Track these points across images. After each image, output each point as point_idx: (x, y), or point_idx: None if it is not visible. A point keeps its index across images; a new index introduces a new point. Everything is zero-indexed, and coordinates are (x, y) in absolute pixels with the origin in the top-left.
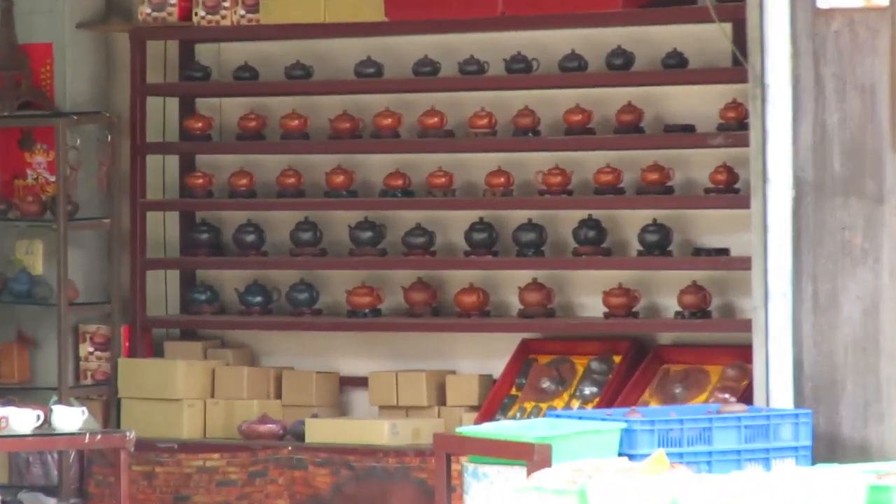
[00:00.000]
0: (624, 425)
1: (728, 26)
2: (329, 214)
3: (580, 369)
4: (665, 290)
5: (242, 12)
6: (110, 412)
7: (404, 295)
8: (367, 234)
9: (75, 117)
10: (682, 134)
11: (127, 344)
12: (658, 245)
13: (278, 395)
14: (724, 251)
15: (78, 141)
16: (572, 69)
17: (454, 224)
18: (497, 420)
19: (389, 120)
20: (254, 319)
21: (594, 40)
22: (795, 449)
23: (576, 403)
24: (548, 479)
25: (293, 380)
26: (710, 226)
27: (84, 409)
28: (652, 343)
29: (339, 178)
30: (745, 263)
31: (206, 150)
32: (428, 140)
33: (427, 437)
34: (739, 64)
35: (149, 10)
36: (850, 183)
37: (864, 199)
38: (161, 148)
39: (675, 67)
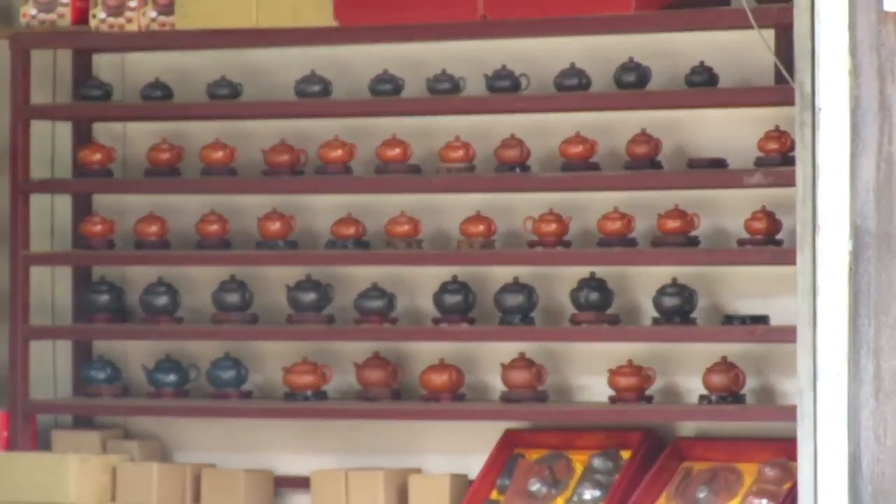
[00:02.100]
0: None
1: (770, 34)
2: (261, 271)
3: (579, 468)
4: (687, 368)
5: (153, 14)
6: None
7: (356, 373)
8: (310, 297)
9: None
10: (711, 170)
11: (5, 434)
12: (678, 311)
13: (196, 499)
14: (762, 319)
15: None
16: (571, 88)
17: (420, 284)
18: None
19: (339, 151)
20: (165, 404)
21: (599, 51)
22: None
23: None
24: None
25: (215, 480)
26: (745, 287)
27: None
28: (670, 435)
29: (275, 226)
30: (788, 335)
31: (107, 188)
32: (388, 177)
33: None
34: (784, 82)
35: (34, 12)
36: None
37: None
38: (49, 186)
39: (702, 86)
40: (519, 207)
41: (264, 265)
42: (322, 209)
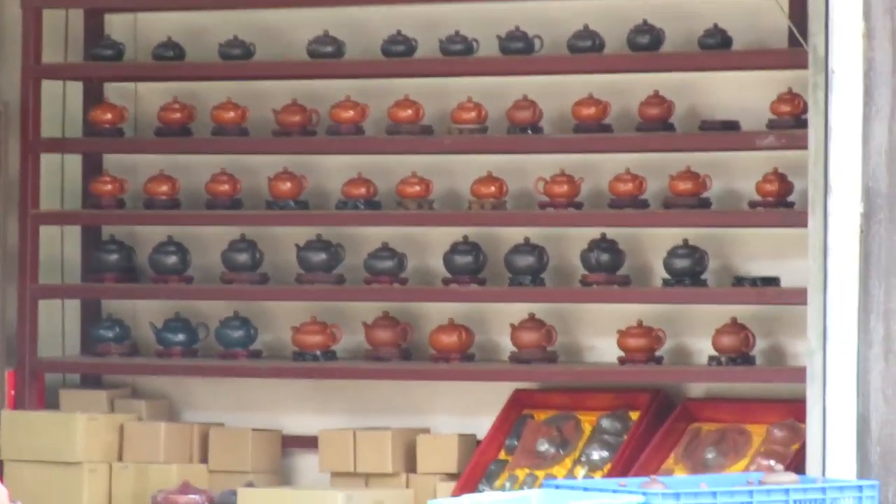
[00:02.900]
0: (642, 499)
1: None
2: (272, 231)
3: (587, 428)
4: (697, 329)
5: None
6: None
7: (366, 333)
8: (320, 257)
9: None
10: (723, 132)
11: (12, 392)
12: (689, 272)
13: (204, 459)
14: (772, 281)
15: None
16: (584, 49)
17: (431, 244)
18: (481, 491)
19: (351, 112)
20: (174, 363)
21: (613, 13)
22: None
23: (581, 471)
24: None
25: (223, 439)
26: (756, 249)
27: None
28: (679, 396)
29: (286, 186)
30: (798, 297)
31: (117, 148)
32: (399, 138)
33: None
34: (798, 44)
35: None
36: None
37: None
38: (60, 145)
39: (716, 48)
40: (531, 168)
41: (275, 225)
42: (333, 169)
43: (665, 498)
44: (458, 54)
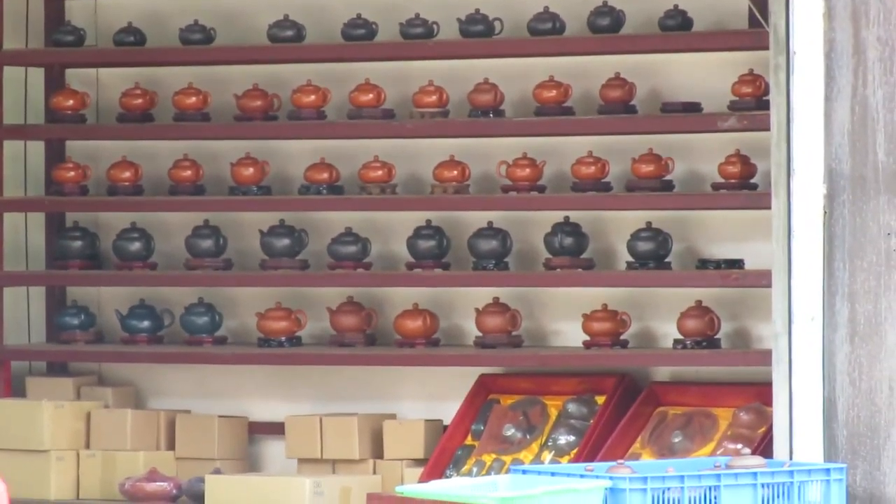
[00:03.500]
0: (609, 483)
1: None
2: (235, 216)
3: (553, 413)
4: (662, 312)
5: None
6: None
7: (330, 319)
8: (284, 242)
9: None
10: (684, 115)
11: None
12: (653, 255)
13: (171, 446)
14: (736, 263)
15: None
16: (545, 32)
17: (394, 229)
18: (448, 477)
19: (312, 97)
20: (140, 350)
21: None
22: None
23: (547, 456)
24: None
25: (190, 426)
26: (720, 231)
27: None
28: (645, 380)
29: (248, 171)
30: (763, 279)
31: (80, 134)
32: (361, 122)
33: (359, 499)
34: (758, 25)
35: None
36: None
37: None
38: (22, 132)
39: (676, 30)
40: (493, 152)
41: (238, 211)
42: (295, 154)
43: (633, 482)
44: (418, 38)
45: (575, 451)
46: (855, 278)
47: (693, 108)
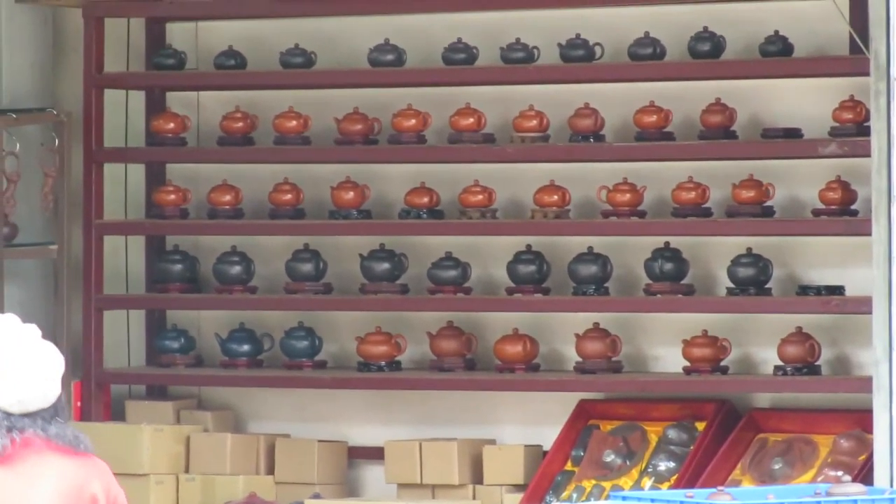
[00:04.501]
0: None
1: (844, 2)
2: (335, 240)
3: (653, 439)
4: (762, 338)
5: None
6: None
7: (430, 343)
8: (384, 266)
9: (14, 116)
10: (785, 140)
11: (78, 404)
12: (753, 281)
13: (270, 470)
14: (837, 289)
15: (17, 146)
16: (645, 57)
17: (494, 253)
18: (548, 503)
19: (413, 121)
20: (239, 374)
21: (674, 20)
22: None
23: (647, 482)
24: None
25: (289, 450)
26: (820, 257)
27: None
28: (745, 406)
29: (349, 195)
30: (863, 305)
31: (180, 157)
32: (461, 147)
33: None
34: (859, 51)
35: None
36: None
37: None
38: (122, 155)
39: (777, 55)
40: (593, 177)
41: (338, 234)
42: (395, 178)
43: None
44: (518, 62)
45: (675, 477)
46: None
47: (794, 133)
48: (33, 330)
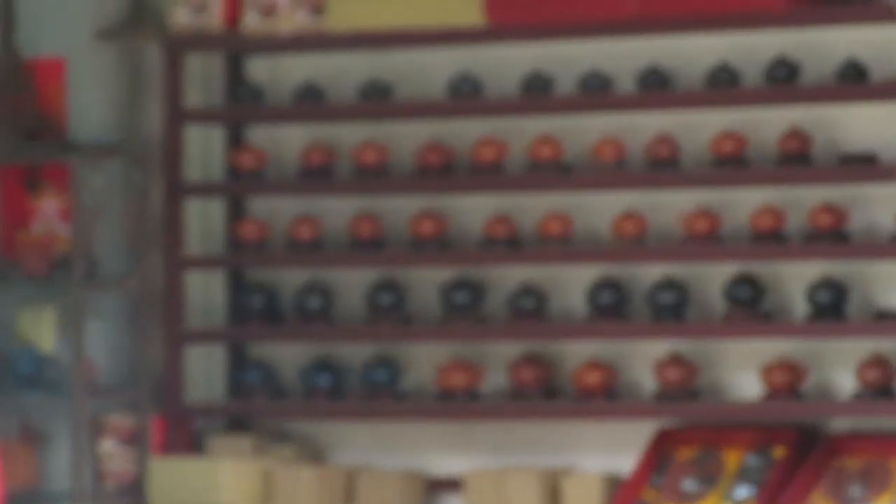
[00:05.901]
0: None
1: None
2: (414, 272)
3: (732, 465)
4: (840, 363)
5: (304, 16)
6: None
7: (509, 373)
8: (462, 297)
9: (93, 151)
10: (862, 165)
11: (160, 438)
12: (831, 306)
13: (350, 501)
14: None
15: (98, 181)
16: (722, 83)
17: (572, 282)
18: None
19: (490, 150)
20: (320, 406)
21: (750, 47)
22: None
23: None
24: None
25: (369, 482)
26: None
27: None
28: (823, 431)
29: (427, 226)
30: None
31: (260, 191)
32: (539, 175)
33: None
34: None
35: (186, 16)
36: None
37: None
38: (203, 189)
39: (854, 81)
40: (670, 204)
41: (416, 266)
42: (474, 208)
43: None
44: (595, 91)
45: (753, 503)
46: None
47: (870, 159)
48: None
